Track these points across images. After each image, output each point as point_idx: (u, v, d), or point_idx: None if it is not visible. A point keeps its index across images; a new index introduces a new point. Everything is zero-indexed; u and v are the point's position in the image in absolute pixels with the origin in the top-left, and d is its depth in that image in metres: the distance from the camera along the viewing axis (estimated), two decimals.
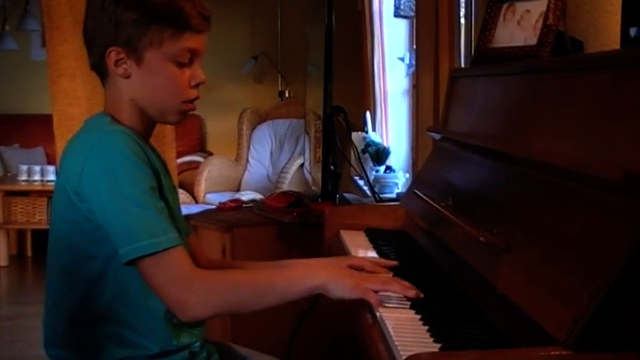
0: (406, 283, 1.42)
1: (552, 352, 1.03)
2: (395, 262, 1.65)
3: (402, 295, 1.41)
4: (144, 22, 1.44)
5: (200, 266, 1.71)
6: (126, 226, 1.36)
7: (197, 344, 1.56)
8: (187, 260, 1.39)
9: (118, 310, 1.48)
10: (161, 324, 1.49)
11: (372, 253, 1.87)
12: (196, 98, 1.54)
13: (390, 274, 1.56)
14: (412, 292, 1.40)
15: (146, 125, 1.54)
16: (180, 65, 1.48)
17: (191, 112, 1.56)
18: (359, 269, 1.57)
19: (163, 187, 1.49)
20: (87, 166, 1.39)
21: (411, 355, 1.06)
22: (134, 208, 1.36)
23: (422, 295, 1.40)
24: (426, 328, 1.26)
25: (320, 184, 3.06)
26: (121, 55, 1.46)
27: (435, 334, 1.23)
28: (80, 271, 1.47)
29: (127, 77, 1.48)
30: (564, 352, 1.02)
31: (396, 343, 1.19)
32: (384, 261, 1.68)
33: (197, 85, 1.52)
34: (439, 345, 1.19)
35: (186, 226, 1.66)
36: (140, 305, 1.47)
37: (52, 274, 1.54)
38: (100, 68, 1.51)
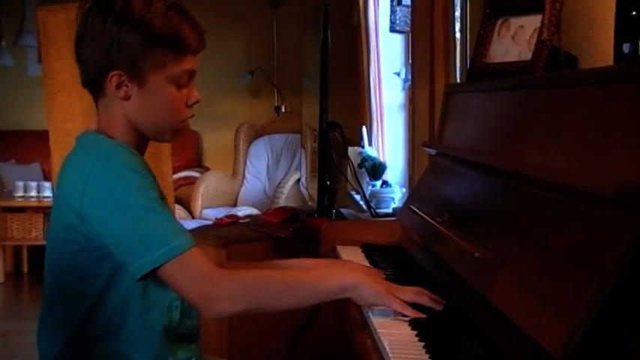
0: (434, 297, 1.43)
1: None
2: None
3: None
4: (148, 45, 1.44)
5: None
6: (138, 238, 1.35)
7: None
8: (206, 258, 1.38)
9: (117, 327, 1.47)
10: (158, 339, 1.49)
11: None
12: (191, 117, 1.55)
13: None
14: (440, 307, 1.42)
15: (141, 143, 1.54)
16: (179, 87, 1.50)
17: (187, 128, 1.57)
18: None
19: (163, 199, 1.48)
20: (88, 186, 1.38)
21: None
22: (145, 218, 1.36)
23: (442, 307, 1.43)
24: (422, 344, 1.26)
25: (316, 199, 3.06)
26: (123, 78, 1.46)
27: (431, 349, 1.23)
28: (82, 291, 1.46)
29: (127, 99, 1.48)
30: None
31: (392, 357, 1.19)
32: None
33: (192, 105, 1.54)
34: None
35: None
36: (138, 321, 1.46)
37: (51, 294, 1.53)
38: (94, 86, 1.51)
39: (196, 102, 1.53)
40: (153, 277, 1.37)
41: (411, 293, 1.42)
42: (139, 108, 1.49)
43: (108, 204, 1.37)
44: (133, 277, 1.36)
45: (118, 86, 1.46)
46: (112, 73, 1.45)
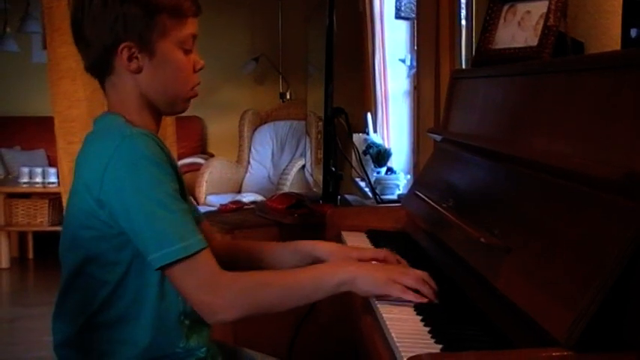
0: (434, 287, 1.42)
1: (553, 353, 1.03)
2: (403, 261, 1.63)
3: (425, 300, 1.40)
4: (150, 14, 1.45)
5: (213, 249, 1.73)
6: (154, 231, 1.36)
7: (203, 349, 1.57)
8: (214, 262, 1.39)
9: (134, 314, 1.48)
10: (173, 325, 1.50)
11: None
12: (198, 83, 1.57)
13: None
14: (435, 299, 1.40)
15: (156, 121, 1.56)
16: (186, 52, 1.51)
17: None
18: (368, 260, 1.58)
19: (182, 185, 1.49)
20: (108, 173, 1.38)
21: (413, 356, 1.06)
22: (161, 212, 1.36)
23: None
24: (428, 329, 1.26)
25: (321, 186, 3.06)
26: (133, 50, 1.46)
27: (437, 335, 1.23)
28: (101, 278, 1.47)
29: (139, 72, 1.48)
30: (565, 353, 1.02)
31: (398, 344, 1.19)
32: (391, 257, 1.64)
33: (198, 71, 1.56)
34: (440, 346, 1.19)
35: (198, 212, 1.71)
36: (155, 307, 1.47)
37: (68, 280, 1.53)
38: (101, 67, 1.50)
39: (202, 68, 1.55)
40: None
41: (411, 279, 1.41)
42: (151, 79, 1.49)
43: (125, 193, 1.37)
44: (152, 267, 1.37)
45: (130, 58, 1.46)
46: (122, 46, 1.45)
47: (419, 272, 1.45)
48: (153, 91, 1.51)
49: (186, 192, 1.55)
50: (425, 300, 1.39)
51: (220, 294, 1.37)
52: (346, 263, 1.53)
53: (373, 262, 1.58)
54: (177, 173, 1.48)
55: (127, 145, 1.40)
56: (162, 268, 1.36)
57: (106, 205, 1.39)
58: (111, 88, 1.52)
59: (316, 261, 1.62)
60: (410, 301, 1.39)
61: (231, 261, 1.65)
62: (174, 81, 1.52)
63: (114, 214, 1.39)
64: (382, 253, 1.62)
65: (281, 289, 1.42)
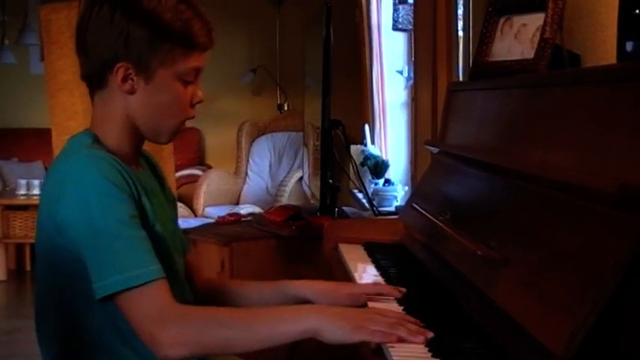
0: (414, 327, 1.25)
1: None
2: (403, 290, 1.52)
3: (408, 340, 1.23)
4: (157, 39, 1.40)
5: (197, 285, 1.64)
6: (98, 261, 1.30)
7: None
8: (166, 294, 1.30)
9: (109, 340, 1.41)
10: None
11: (371, 267, 1.86)
12: (193, 117, 1.51)
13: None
14: (420, 339, 1.23)
15: (134, 144, 1.50)
16: (185, 84, 1.46)
17: (189, 126, 1.54)
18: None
19: (148, 212, 1.42)
20: (62, 195, 1.33)
21: None
22: (107, 243, 1.30)
23: (431, 336, 1.24)
24: (425, 342, 1.26)
25: (319, 198, 3.06)
26: (130, 72, 1.41)
27: (433, 348, 1.22)
28: (68, 305, 1.42)
29: (131, 93, 1.43)
30: None
31: (394, 357, 1.19)
32: (387, 289, 1.55)
33: (196, 104, 1.49)
34: (437, 359, 1.18)
35: (184, 243, 1.62)
36: (131, 332, 1.34)
37: (40, 306, 1.49)
38: (96, 79, 1.46)
39: (200, 102, 1.49)
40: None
41: (384, 325, 1.24)
42: (142, 103, 1.44)
43: (79, 216, 1.31)
44: (95, 297, 1.30)
45: (124, 79, 1.42)
46: (118, 65, 1.40)
47: (393, 313, 1.33)
48: (141, 115, 1.45)
49: (161, 217, 1.48)
50: (393, 340, 1.23)
51: (166, 329, 1.27)
52: (310, 308, 1.38)
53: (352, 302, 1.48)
54: (141, 200, 1.40)
55: (78, 168, 1.35)
56: (108, 298, 1.29)
57: (61, 229, 1.34)
58: (99, 102, 1.48)
59: (302, 302, 1.52)
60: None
61: (212, 299, 1.61)
62: (166, 111, 1.46)
63: (69, 239, 1.33)
64: (376, 288, 1.55)
65: (234, 330, 1.29)
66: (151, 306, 1.29)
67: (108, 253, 1.30)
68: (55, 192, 1.36)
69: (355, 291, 1.54)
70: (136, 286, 1.28)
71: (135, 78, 1.42)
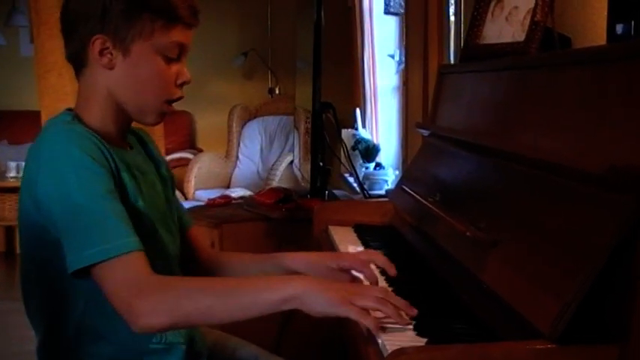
0: (401, 303, 1.24)
1: (537, 346, 1.04)
2: (394, 273, 1.48)
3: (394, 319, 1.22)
4: (135, 10, 1.38)
5: (200, 259, 1.64)
6: (72, 234, 1.28)
7: (183, 342, 1.50)
8: (143, 266, 1.27)
9: (94, 322, 1.40)
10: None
11: (361, 249, 1.87)
12: (180, 98, 1.47)
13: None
14: (405, 320, 1.23)
15: (119, 123, 1.47)
16: (168, 60, 1.42)
17: (180, 109, 1.52)
18: (347, 270, 1.48)
19: (128, 188, 1.40)
20: (39, 172, 1.32)
21: (397, 349, 1.06)
22: (82, 216, 1.27)
23: (416, 313, 1.25)
24: (413, 322, 1.26)
25: (309, 181, 3.06)
26: (107, 45, 1.39)
27: (422, 328, 1.23)
28: (51, 285, 1.41)
29: (111, 68, 1.41)
30: (549, 346, 1.03)
31: (383, 337, 1.19)
32: (381, 258, 1.50)
33: (182, 85, 1.46)
34: (425, 339, 1.19)
35: (183, 220, 1.63)
36: (118, 316, 1.29)
37: (26, 287, 1.47)
38: (78, 58, 1.43)
39: (186, 82, 1.46)
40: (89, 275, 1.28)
41: (370, 300, 1.22)
42: (123, 80, 1.41)
43: (55, 191, 1.29)
44: (68, 271, 1.28)
45: (101, 52, 1.39)
46: (94, 38, 1.38)
47: (378, 289, 1.31)
48: (122, 92, 1.43)
49: (148, 195, 1.47)
50: (377, 322, 1.21)
51: (145, 296, 1.23)
52: (296, 278, 1.33)
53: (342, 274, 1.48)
54: (119, 175, 1.38)
55: (55, 143, 1.33)
56: (83, 273, 1.26)
57: (40, 207, 1.32)
58: (83, 82, 1.46)
59: (290, 274, 1.50)
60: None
61: (214, 272, 1.62)
62: (148, 88, 1.43)
63: (47, 217, 1.31)
64: (366, 255, 1.53)
65: (214, 297, 1.25)
66: (127, 276, 1.25)
67: (83, 227, 1.27)
68: (32, 170, 1.34)
69: (343, 262, 1.50)
70: (112, 257, 1.25)
71: (113, 52, 1.40)
